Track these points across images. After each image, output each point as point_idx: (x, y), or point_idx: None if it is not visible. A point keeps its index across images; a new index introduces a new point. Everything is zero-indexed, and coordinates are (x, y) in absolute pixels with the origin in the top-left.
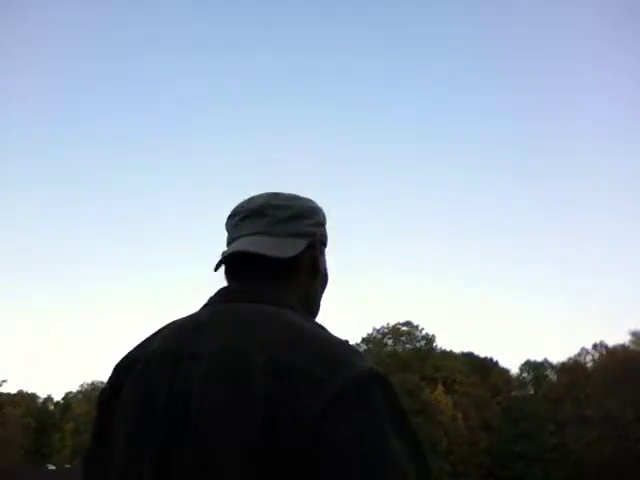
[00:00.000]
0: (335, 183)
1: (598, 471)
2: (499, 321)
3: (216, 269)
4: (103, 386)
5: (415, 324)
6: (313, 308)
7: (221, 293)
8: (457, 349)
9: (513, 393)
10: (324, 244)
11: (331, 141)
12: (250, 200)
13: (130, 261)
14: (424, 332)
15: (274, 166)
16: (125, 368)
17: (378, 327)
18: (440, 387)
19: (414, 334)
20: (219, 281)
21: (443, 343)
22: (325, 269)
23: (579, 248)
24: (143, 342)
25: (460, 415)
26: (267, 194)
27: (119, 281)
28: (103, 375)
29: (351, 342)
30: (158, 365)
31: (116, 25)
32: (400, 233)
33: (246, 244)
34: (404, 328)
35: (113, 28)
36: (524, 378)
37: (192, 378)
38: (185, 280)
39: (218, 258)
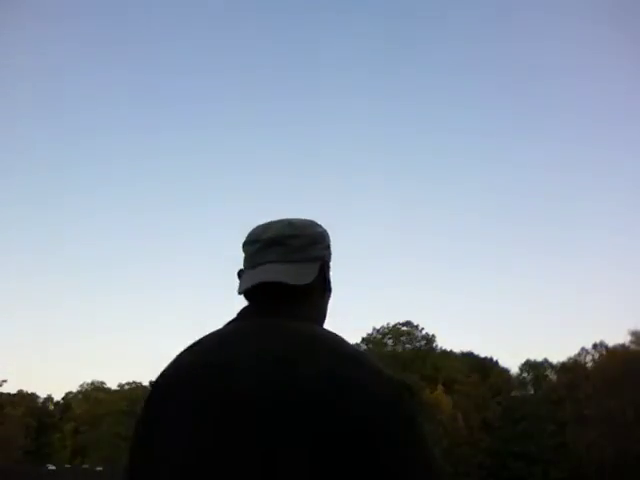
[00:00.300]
0: (336, 183)
1: (598, 471)
2: (499, 321)
3: (240, 292)
4: (140, 406)
5: (415, 324)
6: (323, 318)
7: (246, 311)
8: (457, 349)
9: (513, 393)
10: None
11: (334, 145)
12: (267, 228)
13: (131, 261)
14: (424, 332)
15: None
16: (164, 382)
17: (378, 327)
18: (440, 387)
19: (414, 334)
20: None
21: (443, 343)
22: (330, 283)
23: (579, 248)
24: (177, 357)
25: (460, 415)
26: (282, 223)
27: (119, 281)
28: (103, 375)
29: (351, 342)
30: (198, 377)
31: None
32: (400, 233)
33: (269, 272)
34: (404, 328)
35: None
36: (524, 378)
37: (236, 385)
38: (181, 285)
39: (234, 276)
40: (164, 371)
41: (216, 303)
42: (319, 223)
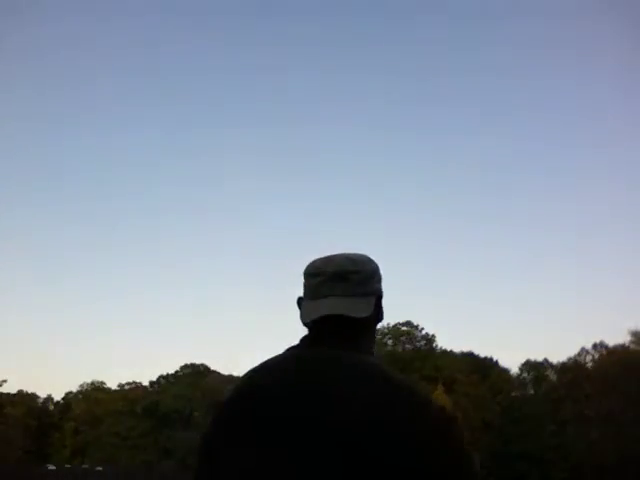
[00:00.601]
0: (337, 185)
1: (598, 471)
2: (499, 321)
3: (305, 322)
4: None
5: (415, 324)
6: (374, 345)
7: (308, 339)
8: (457, 349)
9: (513, 393)
10: None
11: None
12: (328, 262)
13: (131, 263)
14: (424, 332)
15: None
16: (230, 402)
17: (378, 327)
18: (440, 387)
19: (414, 334)
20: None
21: (443, 343)
22: (383, 313)
23: (579, 248)
24: (243, 378)
25: (460, 415)
26: (343, 258)
27: (119, 282)
28: (103, 375)
29: None
30: (262, 398)
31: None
32: (400, 233)
33: (332, 306)
34: (404, 328)
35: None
36: (524, 378)
37: (301, 410)
38: (181, 287)
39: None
40: (232, 391)
41: (213, 305)
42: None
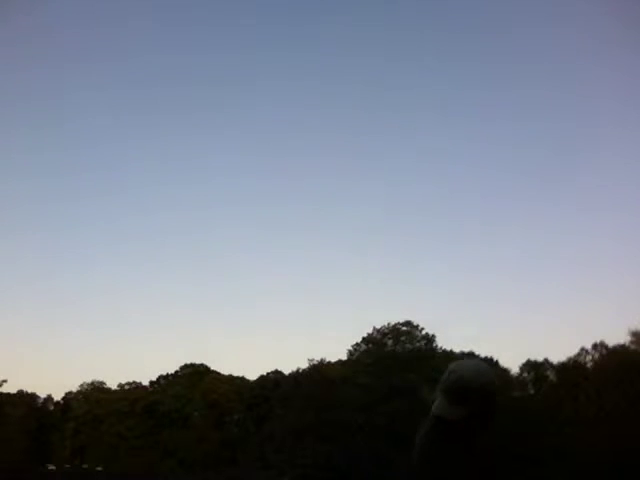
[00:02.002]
0: (340, 186)
1: (598, 471)
2: (499, 321)
3: (434, 414)
4: None
5: (415, 324)
6: (486, 423)
7: (434, 422)
8: (457, 349)
9: (513, 393)
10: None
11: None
12: (449, 377)
13: (132, 264)
14: (424, 332)
15: None
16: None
17: (378, 327)
18: None
19: (414, 334)
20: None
21: (443, 343)
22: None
23: (579, 249)
24: (419, 447)
25: None
26: (454, 378)
27: (118, 282)
28: (103, 375)
29: (351, 342)
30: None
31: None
32: (400, 233)
33: (440, 408)
34: (404, 328)
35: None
36: (524, 378)
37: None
38: (179, 288)
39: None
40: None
41: (213, 305)
42: (487, 371)
